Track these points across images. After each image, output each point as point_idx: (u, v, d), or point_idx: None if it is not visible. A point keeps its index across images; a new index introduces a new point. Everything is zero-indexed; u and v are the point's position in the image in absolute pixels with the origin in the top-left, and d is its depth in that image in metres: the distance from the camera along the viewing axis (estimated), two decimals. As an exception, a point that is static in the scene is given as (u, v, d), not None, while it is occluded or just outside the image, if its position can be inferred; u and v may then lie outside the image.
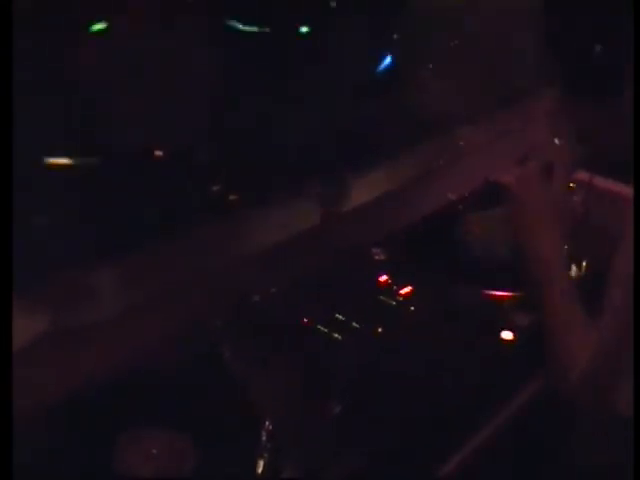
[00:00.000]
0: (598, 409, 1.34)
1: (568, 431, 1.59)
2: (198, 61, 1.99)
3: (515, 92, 2.71)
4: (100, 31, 1.68)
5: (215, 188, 2.07)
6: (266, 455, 1.39)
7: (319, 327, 1.66)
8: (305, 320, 1.67)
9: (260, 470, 1.38)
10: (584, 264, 1.91)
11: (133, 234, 1.78)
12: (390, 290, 1.80)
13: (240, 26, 1.97)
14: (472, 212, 2.00)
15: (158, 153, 2.01)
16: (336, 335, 1.65)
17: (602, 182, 2.34)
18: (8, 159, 1.12)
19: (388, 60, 2.45)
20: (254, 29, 2.01)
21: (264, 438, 1.40)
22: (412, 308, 1.75)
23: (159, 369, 1.52)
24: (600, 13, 1.21)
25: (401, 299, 1.77)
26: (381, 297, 1.78)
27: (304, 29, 2.16)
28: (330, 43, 2.25)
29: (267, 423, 1.41)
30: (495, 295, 1.80)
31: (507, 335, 1.68)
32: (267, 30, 2.02)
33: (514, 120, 2.61)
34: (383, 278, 1.83)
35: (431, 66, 2.76)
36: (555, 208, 1.50)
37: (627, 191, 2.15)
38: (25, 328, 1.35)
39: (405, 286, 1.81)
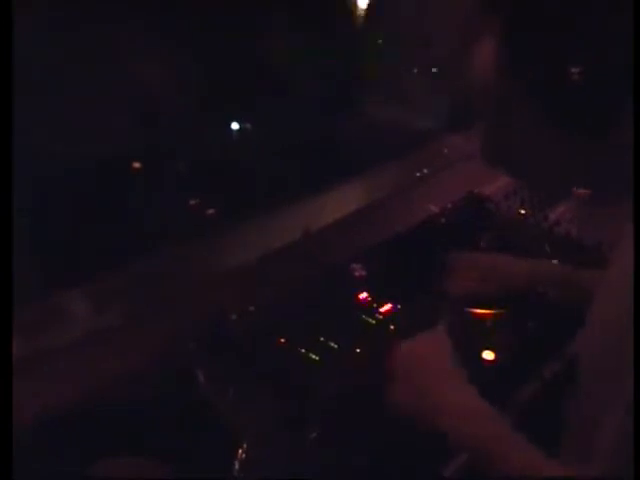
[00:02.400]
0: None
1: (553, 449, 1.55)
2: (173, 76, 1.96)
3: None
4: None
5: (192, 202, 2.04)
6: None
7: (296, 347, 1.62)
8: (281, 340, 1.63)
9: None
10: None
11: (105, 252, 1.75)
12: (370, 308, 1.75)
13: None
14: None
15: (135, 166, 1.98)
16: (313, 356, 1.60)
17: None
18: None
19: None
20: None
21: (238, 464, 1.36)
22: (392, 327, 1.70)
23: (130, 394, 1.48)
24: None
25: (381, 317, 1.73)
26: (361, 315, 1.73)
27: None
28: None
29: (241, 451, 1.36)
30: (477, 313, 1.76)
31: (488, 355, 1.64)
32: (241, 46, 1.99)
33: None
34: (363, 295, 1.78)
35: (415, 71, 2.74)
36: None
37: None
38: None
39: (385, 303, 1.76)
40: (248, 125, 2.18)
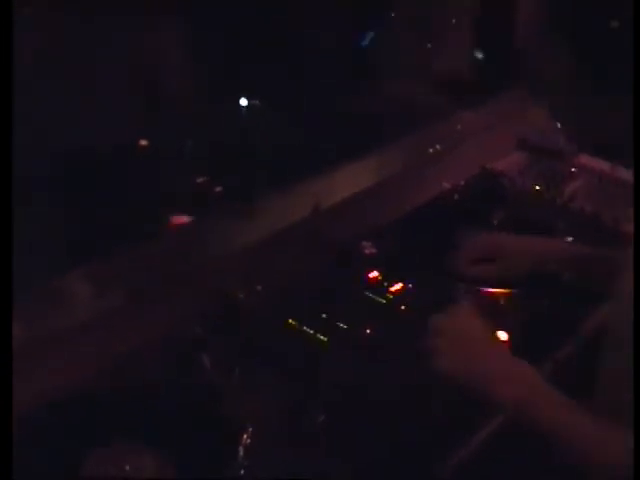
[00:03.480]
0: None
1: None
2: (181, 57, 1.92)
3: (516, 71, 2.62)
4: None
5: (200, 181, 2.00)
6: (244, 468, 1.32)
7: (304, 328, 1.59)
8: (289, 321, 1.59)
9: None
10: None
11: (109, 233, 1.71)
12: (380, 287, 1.71)
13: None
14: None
15: (142, 143, 1.95)
16: (322, 337, 1.57)
17: (605, 166, 2.25)
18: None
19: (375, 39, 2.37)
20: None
21: (242, 450, 1.33)
22: (403, 307, 1.66)
23: (132, 380, 1.45)
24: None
25: (391, 297, 1.69)
26: (370, 295, 1.69)
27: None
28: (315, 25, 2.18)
29: (245, 436, 1.33)
30: (491, 292, 1.72)
31: (502, 336, 1.60)
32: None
33: (515, 102, 2.52)
34: (373, 274, 1.75)
35: (429, 46, 2.68)
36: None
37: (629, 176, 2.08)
38: None
39: (396, 283, 1.73)
40: (257, 102, 2.14)
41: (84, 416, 1.37)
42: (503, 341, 1.40)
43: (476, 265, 1.75)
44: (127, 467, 1.32)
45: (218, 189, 2.00)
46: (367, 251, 1.82)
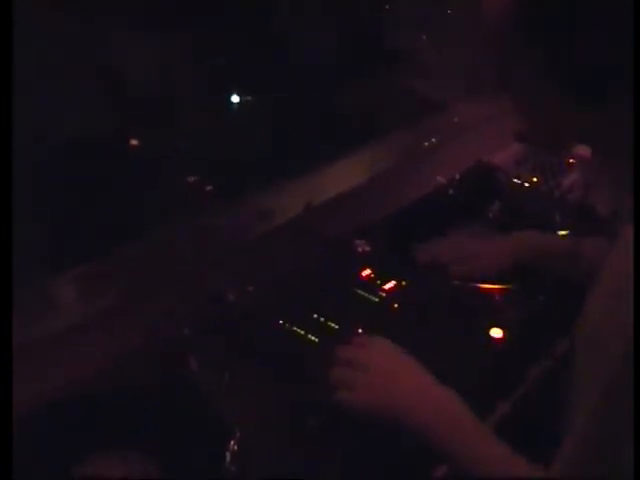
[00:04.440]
0: None
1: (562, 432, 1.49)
2: (172, 55, 1.90)
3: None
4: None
5: (191, 180, 1.98)
6: (232, 472, 1.29)
7: (295, 329, 1.56)
8: (279, 321, 1.57)
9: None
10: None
11: (97, 235, 1.69)
12: (373, 285, 1.68)
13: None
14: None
15: (133, 143, 1.93)
16: (313, 337, 1.54)
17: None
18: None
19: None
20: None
21: (230, 455, 1.30)
22: (396, 305, 1.63)
23: (120, 382, 1.43)
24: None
25: (384, 295, 1.66)
26: (362, 293, 1.66)
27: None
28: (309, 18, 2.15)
29: (233, 442, 1.31)
30: (485, 289, 1.69)
31: (497, 333, 1.57)
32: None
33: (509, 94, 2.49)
34: (365, 272, 1.72)
35: (425, 37, 2.65)
36: None
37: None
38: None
39: (389, 281, 1.70)
40: (248, 98, 2.11)
41: (70, 419, 1.34)
42: (419, 370, 1.36)
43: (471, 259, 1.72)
44: (113, 471, 1.30)
45: (209, 188, 1.97)
46: (360, 249, 1.79)
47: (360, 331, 1.57)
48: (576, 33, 1.10)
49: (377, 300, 1.65)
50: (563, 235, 1.84)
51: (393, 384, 1.34)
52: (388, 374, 1.36)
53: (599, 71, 1.11)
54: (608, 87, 1.12)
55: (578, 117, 1.16)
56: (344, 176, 2.00)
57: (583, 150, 2.24)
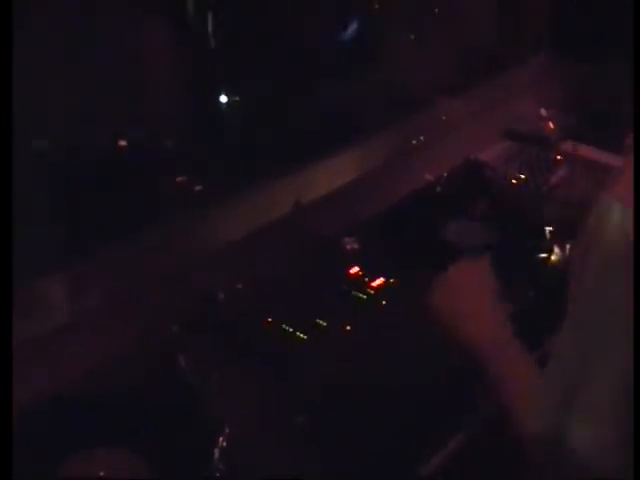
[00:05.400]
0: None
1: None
2: (164, 50, 1.90)
3: (498, 61, 2.61)
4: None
5: (180, 179, 1.98)
6: (221, 470, 1.30)
7: (283, 326, 1.56)
8: (268, 319, 1.57)
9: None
10: (568, 247, 1.80)
11: (86, 234, 1.69)
12: (361, 283, 1.69)
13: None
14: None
15: (121, 144, 1.93)
16: (301, 335, 1.55)
17: (589, 151, 2.23)
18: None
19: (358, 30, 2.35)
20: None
21: (218, 452, 1.31)
22: (384, 302, 1.64)
23: (109, 381, 1.43)
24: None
25: (372, 292, 1.67)
26: (351, 291, 1.67)
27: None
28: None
29: (221, 439, 1.31)
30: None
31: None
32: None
33: (498, 90, 2.50)
34: (354, 270, 1.72)
35: (413, 37, 2.65)
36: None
37: (615, 161, 2.05)
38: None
39: (377, 278, 1.70)
40: (236, 98, 2.11)
41: (60, 418, 1.35)
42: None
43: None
44: (101, 473, 1.30)
45: (198, 187, 1.97)
46: (349, 247, 1.80)
47: (349, 328, 1.57)
48: None
49: (365, 297, 1.66)
50: (550, 231, 1.85)
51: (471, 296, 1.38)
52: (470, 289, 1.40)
53: None
54: None
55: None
56: (332, 174, 2.00)
57: (571, 146, 2.26)
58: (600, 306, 1.10)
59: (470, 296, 1.38)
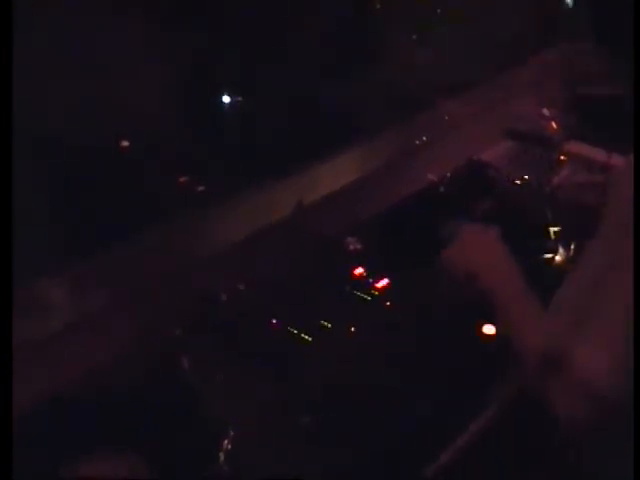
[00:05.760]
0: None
1: (555, 428, 1.49)
2: (165, 50, 1.89)
3: (500, 60, 2.60)
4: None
5: (182, 180, 1.97)
6: (225, 470, 1.29)
7: (287, 328, 1.56)
8: (273, 321, 1.56)
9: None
10: (572, 247, 1.79)
11: (89, 234, 1.69)
12: (365, 283, 1.68)
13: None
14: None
15: (123, 144, 1.92)
16: (306, 336, 1.54)
17: (591, 151, 2.22)
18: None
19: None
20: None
21: (223, 455, 1.30)
22: (388, 303, 1.63)
23: (112, 383, 1.43)
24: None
25: (377, 293, 1.66)
26: (355, 292, 1.66)
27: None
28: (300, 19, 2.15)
29: (226, 442, 1.30)
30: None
31: (489, 329, 1.57)
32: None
33: (499, 90, 2.50)
34: (358, 271, 1.72)
35: (415, 37, 2.65)
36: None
37: (617, 160, 2.04)
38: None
39: (381, 279, 1.69)
40: (239, 98, 2.10)
41: (62, 419, 1.34)
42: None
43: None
44: (103, 471, 1.29)
45: (199, 188, 1.97)
46: (352, 247, 1.79)
47: (353, 329, 1.56)
48: None
49: (370, 298, 1.65)
50: (555, 232, 1.84)
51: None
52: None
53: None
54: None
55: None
56: (335, 174, 2.00)
57: (574, 146, 2.25)
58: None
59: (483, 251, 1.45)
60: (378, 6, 2.56)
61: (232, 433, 1.33)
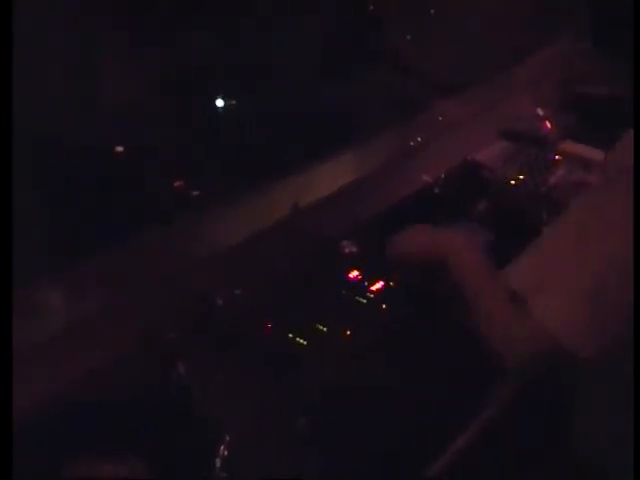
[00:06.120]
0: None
1: (555, 430, 1.50)
2: (156, 58, 1.89)
3: (496, 60, 2.60)
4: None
5: (177, 184, 1.97)
6: (220, 474, 1.29)
7: (283, 332, 1.56)
8: (267, 324, 1.56)
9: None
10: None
11: (82, 238, 1.68)
12: (360, 286, 1.68)
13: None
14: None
15: (118, 150, 1.92)
16: (301, 340, 1.54)
17: (587, 150, 2.22)
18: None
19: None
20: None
21: (219, 461, 1.30)
22: (384, 306, 1.63)
23: (107, 388, 1.42)
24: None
25: (372, 296, 1.66)
26: (351, 295, 1.66)
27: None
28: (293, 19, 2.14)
29: (222, 447, 1.30)
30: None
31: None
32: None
33: (495, 90, 2.50)
34: (353, 274, 1.72)
35: (409, 37, 2.65)
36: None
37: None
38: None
39: (377, 281, 1.69)
40: (233, 101, 2.10)
41: (60, 420, 1.34)
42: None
43: None
44: (103, 473, 1.30)
45: (195, 192, 1.97)
46: (347, 250, 1.79)
47: (349, 333, 1.56)
48: None
49: (365, 302, 1.65)
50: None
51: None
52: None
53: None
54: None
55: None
56: (330, 177, 2.00)
57: (570, 146, 2.25)
58: None
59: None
60: (372, 7, 2.56)
61: (228, 437, 1.33)
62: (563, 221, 1.38)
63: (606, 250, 1.20)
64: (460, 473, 1.47)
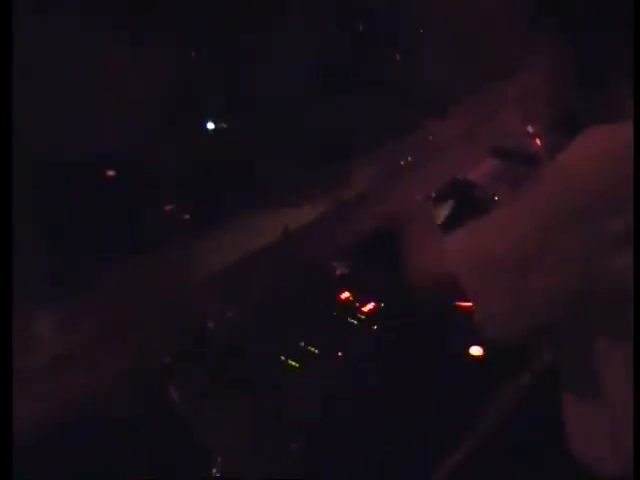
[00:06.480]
0: None
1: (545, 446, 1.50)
2: (149, 76, 1.89)
3: (484, 76, 2.61)
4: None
5: (168, 208, 1.97)
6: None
7: (275, 354, 1.56)
8: (260, 348, 1.57)
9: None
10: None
11: (74, 263, 1.68)
12: (352, 308, 1.68)
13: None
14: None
15: (109, 174, 1.92)
16: (294, 363, 1.54)
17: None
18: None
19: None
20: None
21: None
22: (375, 327, 1.63)
23: (100, 414, 1.42)
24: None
25: (364, 317, 1.66)
26: (342, 316, 1.66)
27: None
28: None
29: (215, 470, 1.30)
30: (465, 306, 1.69)
31: (476, 351, 1.57)
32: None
33: (484, 107, 2.50)
34: (344, 295, 1.72)
35: (398, 56, 2.66)
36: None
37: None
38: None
39: (368, 302, 1.70)
40: (223, 124, 2.11)
41: (52, 449, 1.34)
42: None
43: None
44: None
45: (186, 216, 1.97)
46: (338, 272, 1.79)
47: (341, 354, 1.57)
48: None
49: (357, 322, 1.65)
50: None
51: None
52: None
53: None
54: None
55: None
56: (321, 198, 2.00)
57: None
58: None
59: None
60: (361, 27, 2.57)
61: (220, 460, 1.33)
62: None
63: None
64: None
